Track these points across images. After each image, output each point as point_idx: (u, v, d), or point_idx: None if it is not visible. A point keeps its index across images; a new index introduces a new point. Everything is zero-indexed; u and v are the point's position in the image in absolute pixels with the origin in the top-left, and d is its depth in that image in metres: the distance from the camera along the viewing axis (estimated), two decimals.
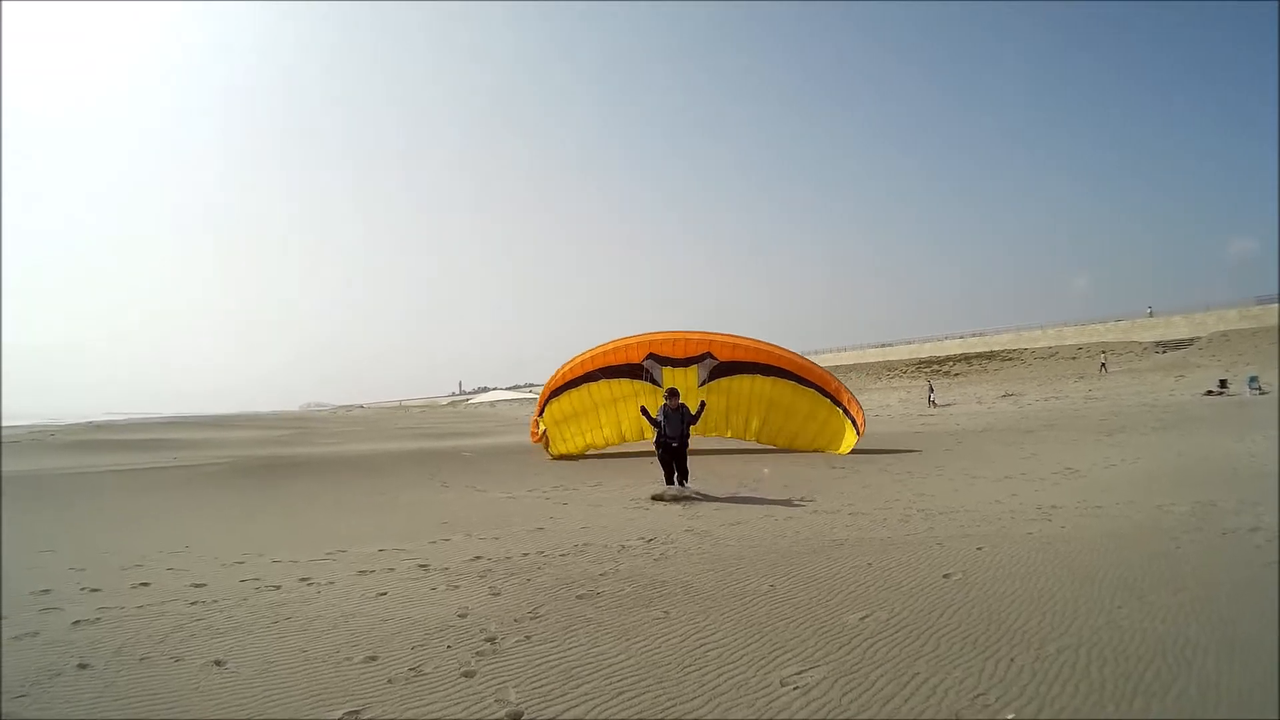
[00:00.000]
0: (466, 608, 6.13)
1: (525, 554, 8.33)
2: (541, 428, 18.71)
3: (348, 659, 4.93)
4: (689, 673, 4.49)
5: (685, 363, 17.27)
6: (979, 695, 3.94)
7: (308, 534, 10.43)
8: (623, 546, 8.66)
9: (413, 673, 4.62)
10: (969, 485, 12.78)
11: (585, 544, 8.88)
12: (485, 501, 13.14)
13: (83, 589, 7.33)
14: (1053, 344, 68.60)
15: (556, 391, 18.58)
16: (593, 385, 18.14)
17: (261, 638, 5.50)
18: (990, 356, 69.33)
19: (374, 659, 4.89)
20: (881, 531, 8.86)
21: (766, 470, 15.27)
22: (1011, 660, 4.40)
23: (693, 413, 13.27)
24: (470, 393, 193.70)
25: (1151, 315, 67.33)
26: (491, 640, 5.24)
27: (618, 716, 3.93)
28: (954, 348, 78.54)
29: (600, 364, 17.87)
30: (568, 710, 4.00)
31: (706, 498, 12.21)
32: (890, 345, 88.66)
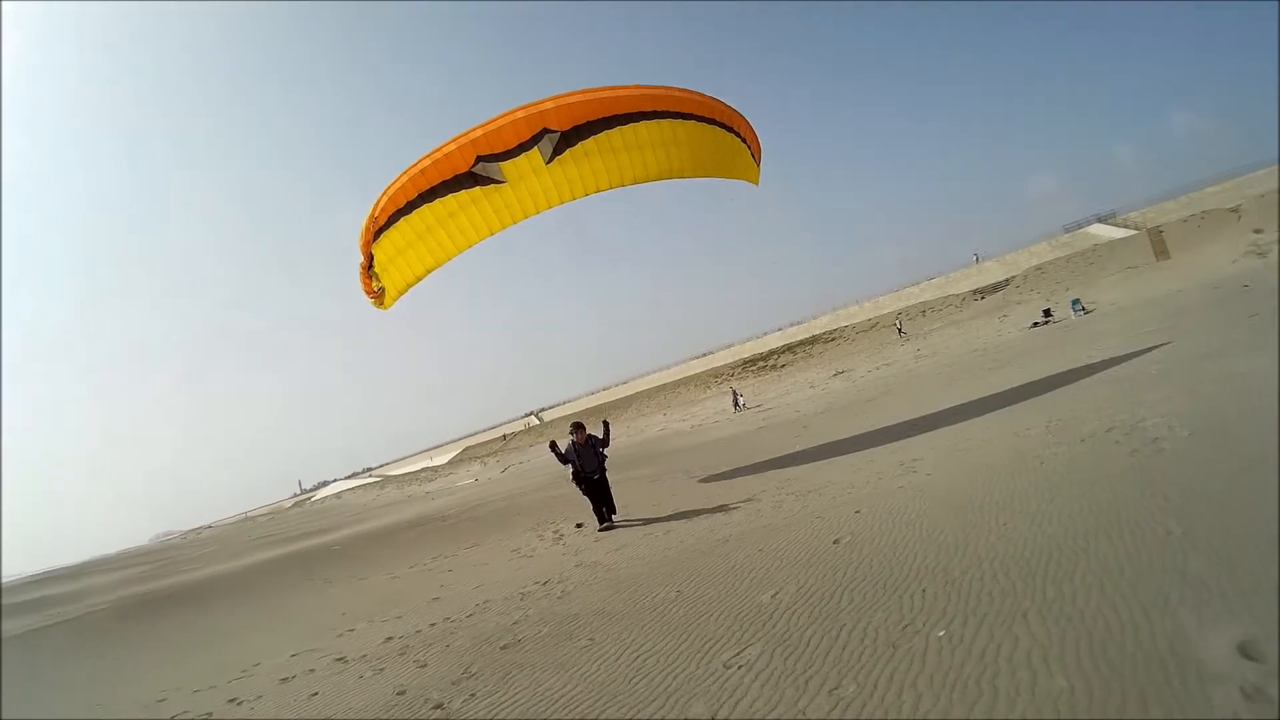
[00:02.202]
0: (402, 685, 6.09)
1: (433, 624, 8.26)
2: (377, 284, 15.71)
3: None
4: (636, 683, 4.71)
5: (520, 149, 14.47)
6: (906, 625, 4.38)
7: (217, 658, 9.77)
8: (523, 594, 8.69)
9: None
10: (828, 461, 13.35)
11: (486, 601, 8.86)
12: (372, 587, 12.73)
13: None
14: (871, 316, 69.62)
15: (380, 230, 15.36)
16: (422, 209, 15.11)
17: None
18: (813, 341, 69.86)
19: None
20: (760, 521, 9.27)
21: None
22: (923, 591, 4.87)
23: (600, 437, 12.96)
24: (311, 489, 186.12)
25: (979, 261, 69.61)
26: (440, 706, 5.28)
27: None
28: (775, 341, 79.20)
29: (422, 185, 14.83)
30: None
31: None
32: (711, 354, 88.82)
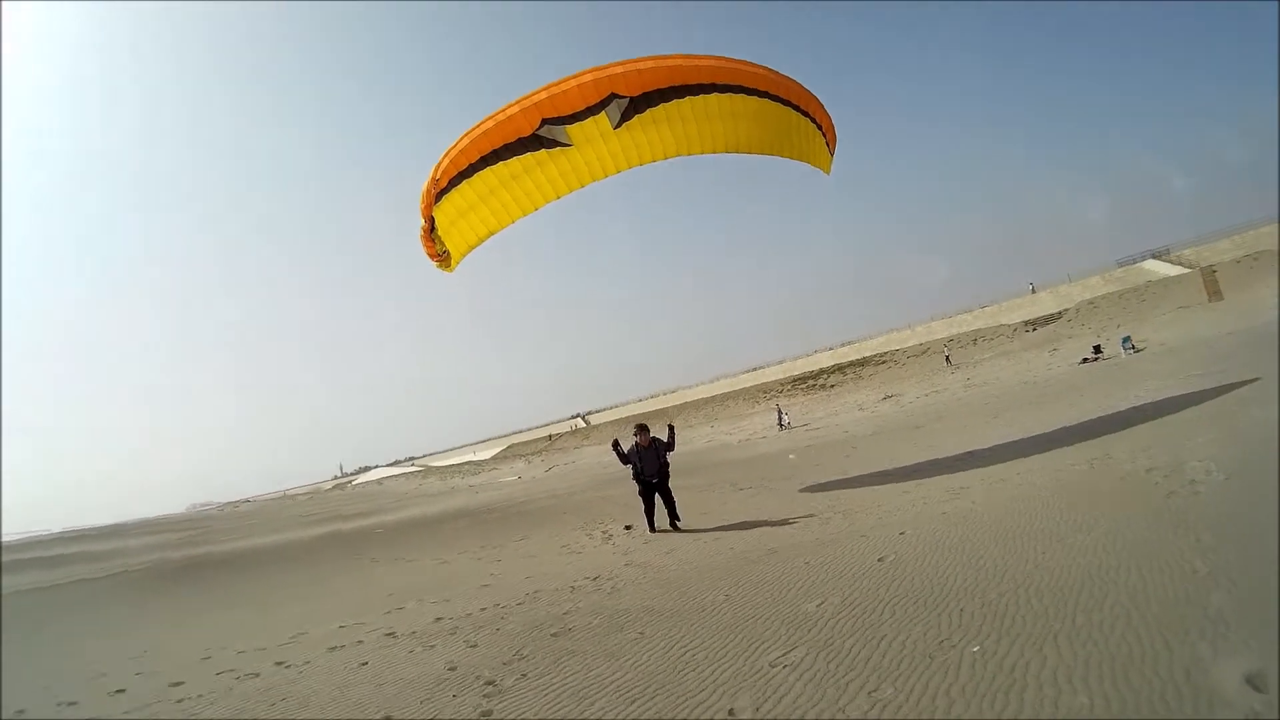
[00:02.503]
0: (452, 661, 6.46)
1: (483, 609, 8.64)
2: (440, 247, 15.46)
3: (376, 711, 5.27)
4: (685, 675, 5.03)
5: (588, 113, 14.11)
6: (943, 640, 4.66)
7: (260, 623, 10.34)
8: (573, 588, 9.06)
9: None
10: (875, 484, 13.55)
11: (536, 591, 9.24)
12: (420, 569, 13.19)
13: (59, 703, 7.34)
14: (923, 340, 69.38)
15: (442, 193, 14.97)
16: (484, 172, 14.71)
17: (284, 708, 5.82)
18: (864, 363, 69.42)
19: (390, 719, 5.23)
20: (808, 535, 9.55)
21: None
22: (961, 610, 5.15)
23: (665, 441, 12.92)
24: (352, 474, 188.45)
25: (1034, 291, 68.29)
26: (491, 683, 5.63)
27: (642, 718, 4.44)
28: (826, 360, 78.85)
29: (485, 147, 14.45)
30: None
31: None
32: (762, 368, 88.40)
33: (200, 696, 6.77)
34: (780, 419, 40.98)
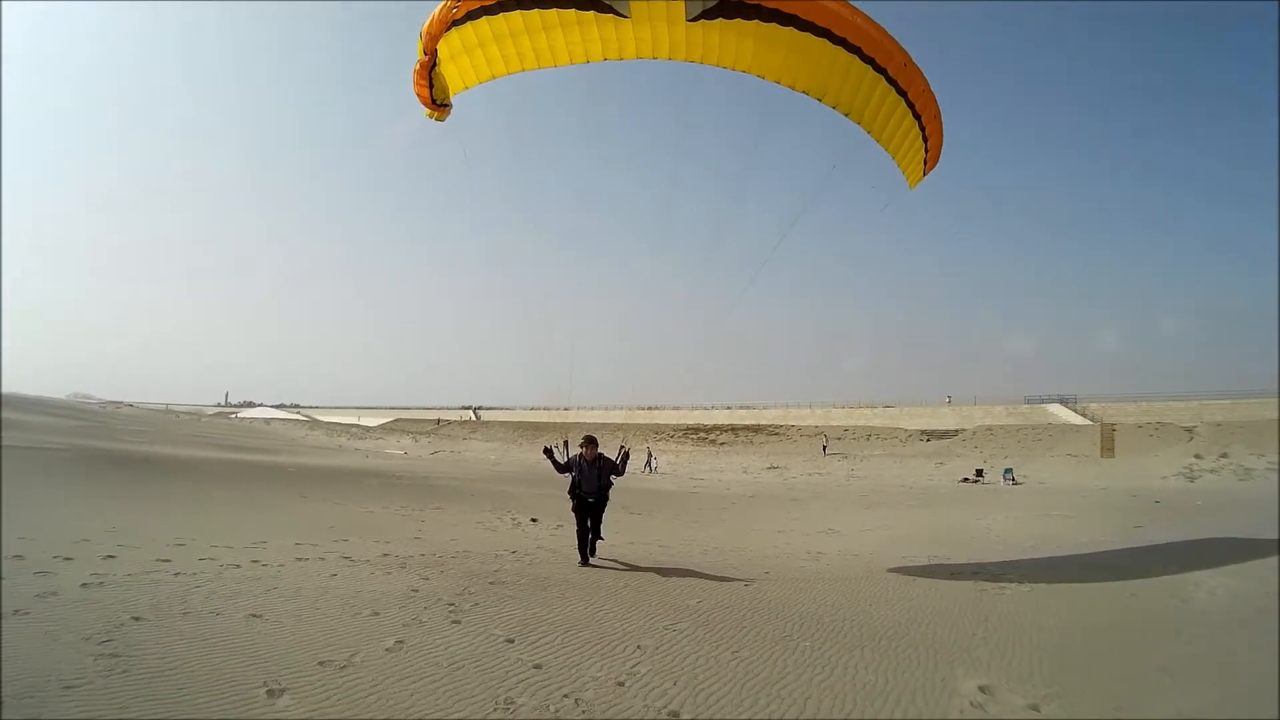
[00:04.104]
0: (413, 586, 8.20)
1: (422, 554, 10.39)
2: (439, 92, 12.89)
3: (357, 613, 6.93)
4: (602, 623, 7.01)
5: None
6: (786, 636, 6.80)
7: (216, 527, 11.65)
8: (497, 555, 10.94)
9: (416, 622, 6.73)
10: (747, 533, 15.64)
11: (464, 551, 11.07)
12: (350, 514, 14.67)
13: (56, 557, 8.38)
14: (820, 423, 70.81)
15: (454, 24, 12.15)
16: (512, 13, 12.20)
17: (270, 599, 7.27)
18: (758, 429, 71.93)
19: (377, 614, 6.92)
20: (690, 560, 11.52)
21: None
22: (802, 620, 7.32)
23: (613, 461, 11.25)
24: (236, 405, 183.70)
25: (950, 402, 70.80)
26: (452, 605, 7.43)
27: (573, 643, 6.38)
28: (722, 417, 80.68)
29: None
30: (539, 639, 6.40)
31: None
32: (658, 409, 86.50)
33: (193, 574, 8.09)
34: (650, 461, 42.25)
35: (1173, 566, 10.37)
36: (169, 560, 8.73)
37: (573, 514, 11.03)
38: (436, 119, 12.80)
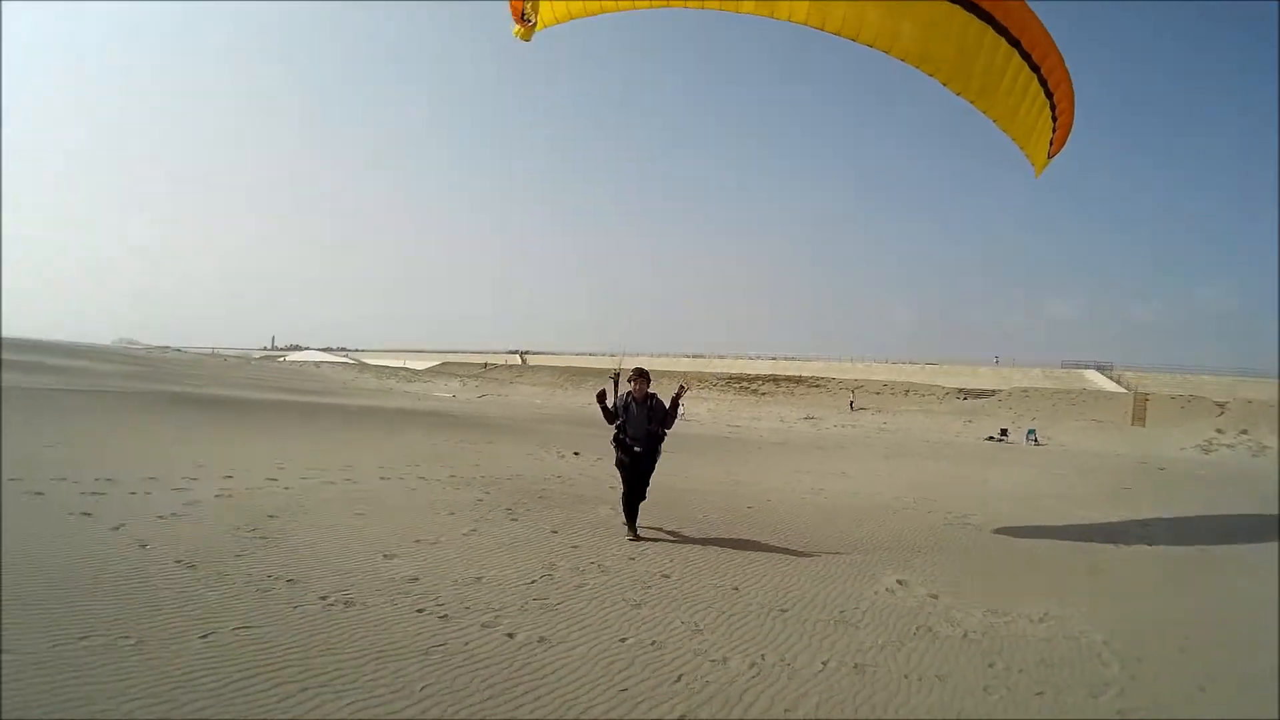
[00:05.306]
0: (478, 498, 10.26)
1: (482, 476, 12.42)
2: (530, 13, 11.57)
3: (437, 513, 8.99)
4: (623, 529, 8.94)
5: None
6: (766, 539, 8.66)
7: (305, 452, 13.67)
8: (544, 478, 12.98)
9: (484, 520, 8.77)
10: (766, 473, 17.46)
11: (517, 474, 13.11)
12: (415, 444, 16.76)
13: (184, 478, 10.21)
14: (861, 377, 69.60)
15: None
16: None
17: (368, 504, 9.26)
18: (799, 381, 70.33)
19: (453, 514, 8.97)
20: (707, 488, 13.45)
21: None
22: (784, 531, 9.23)
23: (666, 407, 9.33)
24: (284, 349, 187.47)
25: (998, 363, 70.46)
26: (510, 509, 9.51)
27: (601, 534, 8.38)
28: (765, 367, 79.87)
29: None
30: (576, 531, 8.51)
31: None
32: (703, 357, 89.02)
33: (300, 489, 9.95)
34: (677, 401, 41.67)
35: (1124, 517, 12.18)
36: (275, 479, 10.54)
37: (617, 469, 9.35)
38: (521, 37, 11.76)
